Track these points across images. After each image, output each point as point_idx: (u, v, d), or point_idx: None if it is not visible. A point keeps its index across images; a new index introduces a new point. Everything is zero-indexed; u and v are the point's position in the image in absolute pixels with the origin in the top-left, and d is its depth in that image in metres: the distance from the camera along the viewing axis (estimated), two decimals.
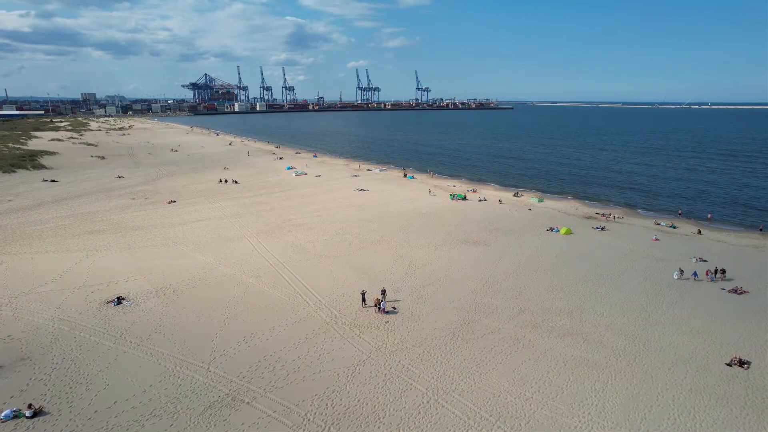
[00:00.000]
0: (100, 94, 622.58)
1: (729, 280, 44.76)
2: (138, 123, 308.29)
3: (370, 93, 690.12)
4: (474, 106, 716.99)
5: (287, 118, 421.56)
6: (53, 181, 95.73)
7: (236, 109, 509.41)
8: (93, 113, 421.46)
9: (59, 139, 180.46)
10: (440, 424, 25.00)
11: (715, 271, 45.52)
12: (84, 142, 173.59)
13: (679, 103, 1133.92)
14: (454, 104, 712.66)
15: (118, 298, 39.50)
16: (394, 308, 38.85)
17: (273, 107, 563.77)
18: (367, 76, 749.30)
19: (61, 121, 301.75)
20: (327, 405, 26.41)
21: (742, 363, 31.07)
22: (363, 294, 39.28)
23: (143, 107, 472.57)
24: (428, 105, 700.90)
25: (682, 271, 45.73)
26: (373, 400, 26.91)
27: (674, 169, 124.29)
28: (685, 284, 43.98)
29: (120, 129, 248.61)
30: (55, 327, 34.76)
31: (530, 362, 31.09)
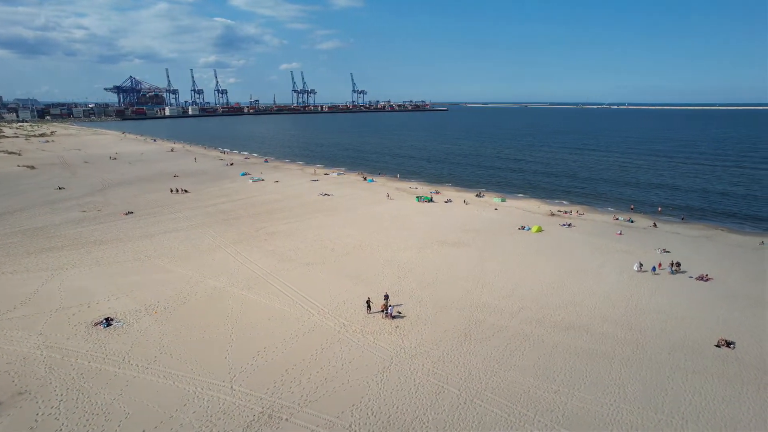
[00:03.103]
0: (7, 97, 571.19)
1: (683, 272, 48.46)
2: (60, 129, 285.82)
3: (306, 96, 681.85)
4: (410, 108, 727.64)
5: (223, 123, 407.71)
6: None
7: (167, 113, 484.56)
8: (3, 118, 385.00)
9: None
10: (484, 423, 25.62)
11: (671, 264, 49.08)
12: (4, 150, 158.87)
13: (600, 104, 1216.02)
14: (391, 106, 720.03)
15: (107, 319, 36.86)
16: (399, 312, 39.09)
17: (206, 111, 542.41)
18: (303, 79, 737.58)
19: None
20: (368, 414, 26.23)
21: (728, 344, 34.17)
22: (368, 301, 39.20)
23: (63, 112, 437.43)
24: (365, 107, 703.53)
25: (641, 264, 49.20)
26: (411, 406, 27.05)
27: (609, 169, 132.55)
28: (659, 275, 47.48)
29: (41, 135, 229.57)
30: (44, 355, 31.90)
31: (546, 357, 32.48)
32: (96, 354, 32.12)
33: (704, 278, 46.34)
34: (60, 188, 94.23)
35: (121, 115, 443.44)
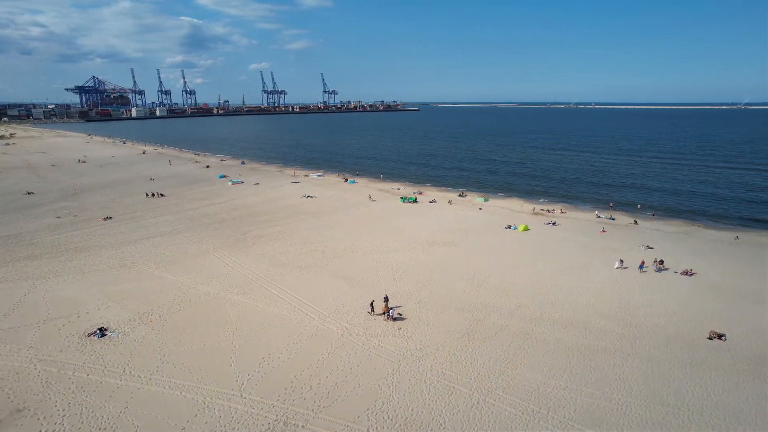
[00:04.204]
0: None
1: (666, 269, 49.73)
2: (20, 131, 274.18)
3: (276, 96, 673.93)
4: (381, 108, 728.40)
5: (192, 124, 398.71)
6: None
7: (134, 114, 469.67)
8: None
9: None
10: (499, 422, 25.90)
11: (656, 261, 50.43)
12: None
13: (567, 103, 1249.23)
14: (362, 106, 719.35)
15: (100, 329, 35.60)
16: (400, 314, 39.13)
17: (174, 112, 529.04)
18: (272, 79, 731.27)
19: None
20: (384, 418, 26.15)
21: (719, 336, 35.51)
22: (372, 303, 39.14)
23: (21, 113, 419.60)
24: (336, 108, 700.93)
25: (621, 261, 50.55)
26: (426, 407, 27.10)
27: (581, 168, 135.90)
28: (646, 272, 48.86)
29: (1, 138, 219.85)
30: (39, 369, 30.57)
31: (550, 354, 33.06)
32: (94, 366, 30.98)
33: (688, 273, 48.02)
34: (29, 193, 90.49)
35: (84, 116, 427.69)
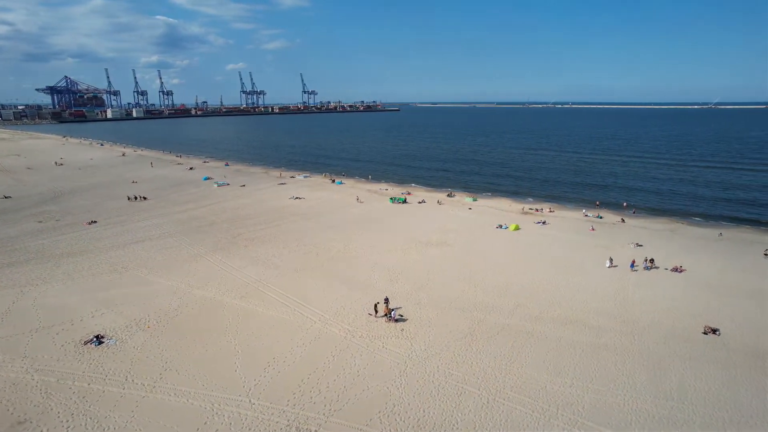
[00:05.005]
0: None
1: (657, 267, 50.69)
2: None
3: (255, 97, 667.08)
4: (362, 108, 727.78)
5: (170, 125, 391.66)
6: None
7: (109, 115, 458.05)
8: None
9: None
10: (511, 421, 26.13)
11: (646, 260, 51.40)
12: None
13: (545, 103, 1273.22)
14: (342, 107, 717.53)
15: (97, 336, 34.75)
16: (401, 316, 39.16)
17: (151, 113, 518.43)
18: (251, 79, 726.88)
19: None
20: (397, 420, 26.13)
21: (714, 331, 36.48)
22: (376, 305, 39.07)
23: None
24: (317, 108, 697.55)
25: (611, 260, 51.46)
26: (437, 408, 27.18)
27: (564, 168, 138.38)
28: (637, 270, 49.86)
29: None
30: (36, 380, 29.66)
31: (553, 352, 33.48)
32: (95, 375, 30.21)
33: (678, 270, 49.19)
34: (6, 197, 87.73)
35: (57, 117, 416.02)
